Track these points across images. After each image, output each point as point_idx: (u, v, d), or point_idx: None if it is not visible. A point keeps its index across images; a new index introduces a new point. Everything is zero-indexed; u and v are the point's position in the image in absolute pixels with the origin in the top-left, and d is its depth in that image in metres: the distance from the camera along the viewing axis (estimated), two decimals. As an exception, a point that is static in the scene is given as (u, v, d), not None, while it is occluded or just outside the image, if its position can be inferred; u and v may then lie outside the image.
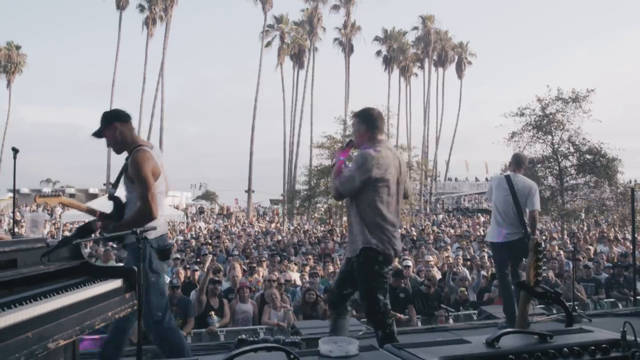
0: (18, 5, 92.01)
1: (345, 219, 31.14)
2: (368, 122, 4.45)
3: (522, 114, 23.52)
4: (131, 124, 4.24)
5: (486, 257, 12.55)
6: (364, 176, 4.23)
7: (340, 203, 29.55)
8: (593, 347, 2.19)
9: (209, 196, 61.76)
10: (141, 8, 50.60)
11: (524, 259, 5.80)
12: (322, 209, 33.28)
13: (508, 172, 6.98)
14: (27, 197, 54.49)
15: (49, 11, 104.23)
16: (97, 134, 4.21)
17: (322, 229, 28.14)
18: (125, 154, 4.22)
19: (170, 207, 32.03)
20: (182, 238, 21.57)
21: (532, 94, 36.76)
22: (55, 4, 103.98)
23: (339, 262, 12.49)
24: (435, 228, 28.18)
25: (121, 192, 4.20)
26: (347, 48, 58.02)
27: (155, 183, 4.05)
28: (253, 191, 47.91)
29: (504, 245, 6.56)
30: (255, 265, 11.82)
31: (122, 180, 4.20)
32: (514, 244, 6.38)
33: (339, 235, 21.78)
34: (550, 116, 23.12)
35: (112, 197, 4.27)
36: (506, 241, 6.51)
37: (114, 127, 4.13)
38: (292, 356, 1.97)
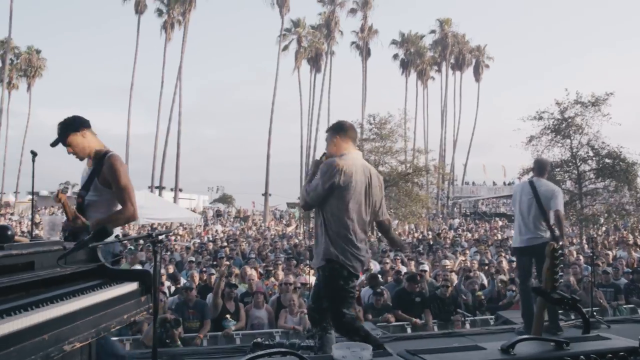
0: (38, 9, 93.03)
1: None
2: (341, 133, 4.48)
3: (541, 118, 23.36)
4: (92, 130, 4.26)
5: (504, 262, 12.46)
6: (327, 184, 4.22)
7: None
8: (610, 355, 2.16)
9: (226, 199, 62.00)
10: (159, 12, 51.01)
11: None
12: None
13: (532, 178, 6.91)
14: (47, 199, 55.10)
15: (68, 15, 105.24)
16: (57, 143, 4.21)
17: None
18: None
19: (187, 209, 32.20)
20: (198, 241, 21.65)
21: (550, 98, 36.42)
22: (74, 9, 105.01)
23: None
24: (452, 232, 28.04)
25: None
26: (364, 51, 58.07)
27: None
28: (270, 194, 48.08)
29: (526, 249, 6.53)
30: (271, 268, 11.83)
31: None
32: (537, 249, 6.32)
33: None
34: (569, 120, 22.93)
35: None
36: (529, 245, 6.47)
37: (77, 134, 4.15)
38: (305, 361, 1.97)
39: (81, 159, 4.26)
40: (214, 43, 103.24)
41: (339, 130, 4.51)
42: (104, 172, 4.10)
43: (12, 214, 38.57)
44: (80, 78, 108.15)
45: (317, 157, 4.64)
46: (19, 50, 56.64)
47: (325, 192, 4.23)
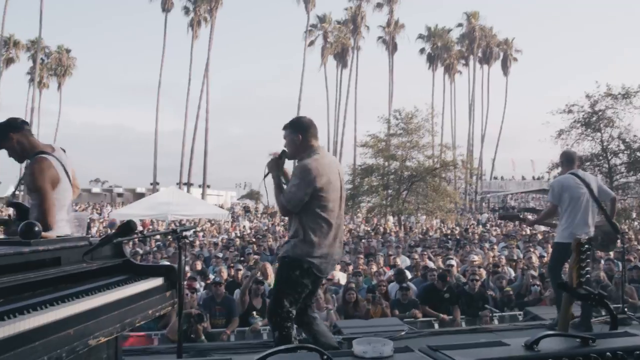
0: (66, 9, 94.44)
1: (389, 217, 31.17)
2: (302, 131, 4.30)
3: (570, 111, 23.01)
4: (27, 131, 4.06)
5: (534, 257, 12.32)
6: (309, 189, 4.12)
7: (383, 202, 29.69)
8: (638, 352, 2.11)
9: (253, 195, 62.25)
10: (186, 10, 51.44)
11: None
12: (366, 208, 33.16)
13: (572, 170, 6.71)
14: (78, 196, 56.11)
15: (95, 14, 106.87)
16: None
17: (365, 227, 28.07)
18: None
19: (215, 206, 32.44)
20: (226, 237, 21.79)
21: (580, 91, 35.96)
22: (101, 8, 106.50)
23: (382, 262, 12.43)
24: (480, 227, 27.81)
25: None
26: (391, 46, 57.83)
27: (56, 190, 3.92)
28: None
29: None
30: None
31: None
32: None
33: (383, 234, 21.65)
34: (600, 113, 22.56)
35: (11, 204, 4.22)
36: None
37: (10, 137, 3.97)
38: (325, 357, 1.96)
39: (19, 161, 4.11)
40: (239, 40, 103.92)
41: (300, 127, 4.33)
42: (25, 176, 3.97)
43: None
44: (108, 76, 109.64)
45: (272, 154, 4.45)
46: (49, 50, 57.68)
47: (306, 197, 4.14)
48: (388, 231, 23.76)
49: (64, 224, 3.99)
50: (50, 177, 3.86)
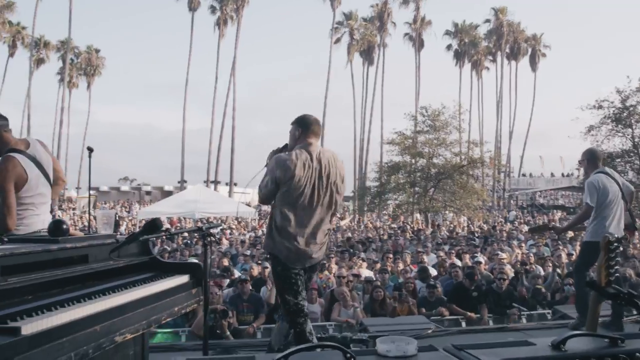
0: (94, 9, 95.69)
1: (416, 215, 31.03)
2: (303, 127, 4.43)
3: (600, 107, 22.62)
4: (3, 126, 3.98)
5: (563, 255, 12.15)
6: (272, 178, 4.26)
7: (410, 199, 29.58)
8: (669, 352, 2.07)
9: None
10: (212, 9, 51.75)
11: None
12: (393, 206, 33.03)
13: (601, 168, 6.55)
14: (107, 194, 56.82)
15: (122, 14, 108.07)
16: None
17: (392, 225, 27.97)
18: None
19: (242, 203, 32.57)
20: (253, 234, 21.89)
21: (610, 86, 35.31)
22: (129, 7, 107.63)
23: (409, 259, 12.38)
24: (508, 225, 27.53)
25: None
26: (417, 43, 57.46)
27: (24, 189, 3.87)
28: (323, 188, 48.01)
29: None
30: (325, 261, 11.85)
31: None
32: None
33: (410, 232, 21.55)
34: (631, 108, 22.15)
35: None
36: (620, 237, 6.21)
37: None
38: (348, 355, 1.95)
39: None
40: (265, 38, 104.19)
41: (301, 123, 4.47)
42: None
43: (74, 209, 39.81)
44: (136, 75, 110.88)
45: (276, 148, 4.62)
46: (79, 50, 58.54)
47: (273, 186, 4.27)
48: (415, 229, 23.65)
49: (39, 220, 3.96)
50: (15, 177, 3.80)
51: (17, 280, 2.42)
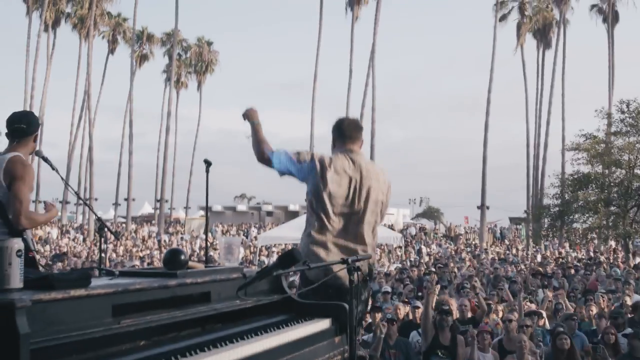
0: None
1: (611, 243, 29.59)
2: (335, 133, 4.86)
3: None
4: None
5: None
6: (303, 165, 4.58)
7: (604, 222, 28.27)
8: None
9: (431, 213, 62.02)
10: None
11: None
12: (581, 230, 31.74)
13: None
14: (221, 215, 58.74)
15: (231, 5, 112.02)
16: None
17: (580, 256, 26.89)
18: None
19: (385, 227, 32.64)
20: (399, 265, 21.80)
21: None
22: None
23: (603, 302, 11.80)
24: None
25: None
26: (610, 17, 54.74)
27: None
28: (488, 207, 46.95)
29: None
30: (490, 301, 11.56)
31: None
32: None
33: (606, 265, 20.57)
34: None
35: None
36: None
37: None
38: None
39: None
40: (402, 27, 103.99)
41: (335, 131, 4.88)
42: None
43: (183, 234, 41.31)
44: (247, 74, 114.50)
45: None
46: (188, 43, 60.77)
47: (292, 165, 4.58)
48: (612, 260, 22.56)
49: None
50: None
51: (131, 322, 2.50)
